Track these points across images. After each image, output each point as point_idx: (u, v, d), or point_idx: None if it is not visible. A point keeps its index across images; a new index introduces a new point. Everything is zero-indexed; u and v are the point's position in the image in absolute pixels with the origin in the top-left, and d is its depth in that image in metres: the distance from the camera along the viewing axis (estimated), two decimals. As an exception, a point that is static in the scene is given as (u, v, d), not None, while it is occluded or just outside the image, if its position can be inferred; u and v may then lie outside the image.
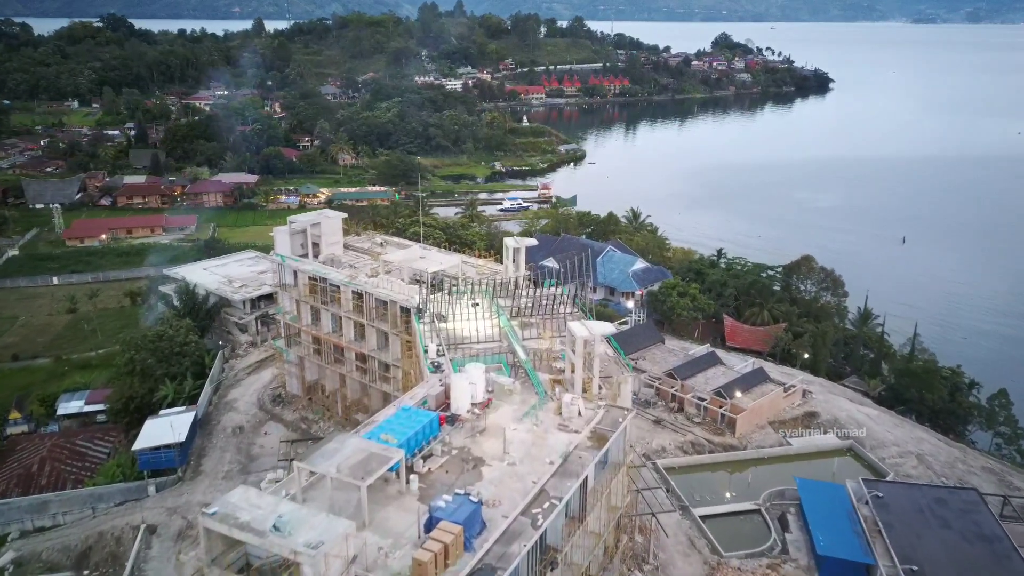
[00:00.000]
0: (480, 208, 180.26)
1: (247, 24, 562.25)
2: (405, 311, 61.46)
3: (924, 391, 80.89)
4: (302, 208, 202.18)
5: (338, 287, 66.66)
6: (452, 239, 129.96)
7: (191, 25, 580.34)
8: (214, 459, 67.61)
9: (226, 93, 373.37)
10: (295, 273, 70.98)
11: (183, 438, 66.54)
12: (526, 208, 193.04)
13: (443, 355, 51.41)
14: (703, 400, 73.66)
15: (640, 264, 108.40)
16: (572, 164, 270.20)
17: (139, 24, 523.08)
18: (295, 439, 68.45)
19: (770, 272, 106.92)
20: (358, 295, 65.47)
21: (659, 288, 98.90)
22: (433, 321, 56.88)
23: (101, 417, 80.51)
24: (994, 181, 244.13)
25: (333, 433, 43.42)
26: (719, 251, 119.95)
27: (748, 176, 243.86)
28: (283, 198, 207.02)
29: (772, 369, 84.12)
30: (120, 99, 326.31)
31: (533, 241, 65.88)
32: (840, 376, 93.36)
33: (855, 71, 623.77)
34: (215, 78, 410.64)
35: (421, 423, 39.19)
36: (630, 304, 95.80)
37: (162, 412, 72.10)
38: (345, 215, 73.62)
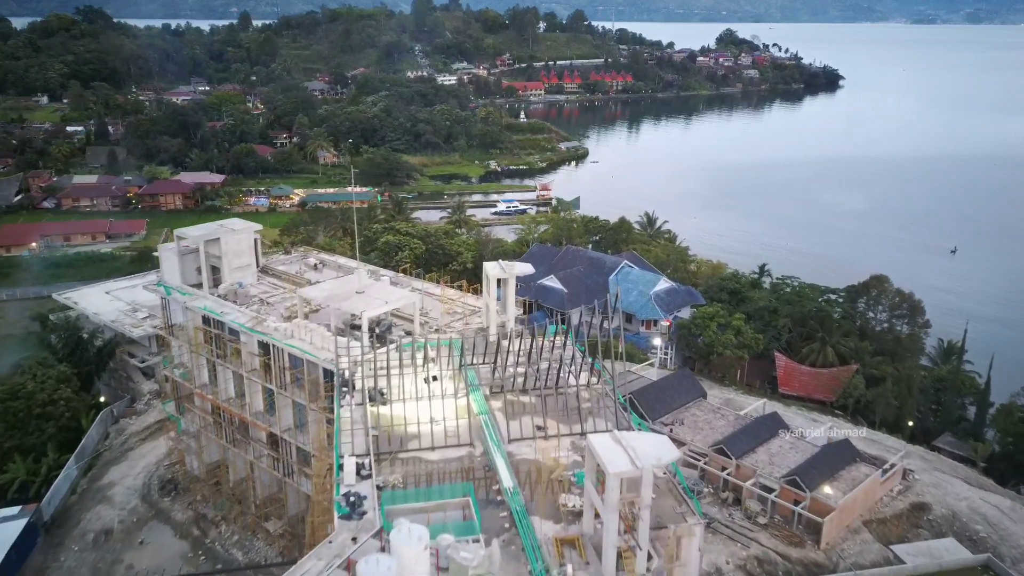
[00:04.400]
0: (470, 212, 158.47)
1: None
2: (331, 377, 39.75)
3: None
4: (272, 211, 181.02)
5: (237, 335, 44.83)
6: (433, 250, 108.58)
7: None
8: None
9: (207, 89, 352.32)
10: (185, 311, 49.09)
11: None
12: (523, 211, 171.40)
13: (369, 474, 29.72)
14: (770, 492, 51.78)
15: (663, 283, 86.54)
16: (573, 163, 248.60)
17: (138, 24, 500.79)
18: None
19: (831, 296, 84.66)
20: (265, 348, 43.69)
21: (692, 317, 76.90)
22: (365, 403, 35.11)
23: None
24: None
25: None
26: (762, 267, 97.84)
27: (763, 175, 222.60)
28: (252, 200, 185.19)
29: (849, 431, 62.33)
30: (88, 94, 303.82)
31: (528, 268, 44.06)
32: (927, 435, 71.68)
33: (863, 69, 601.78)
34: (197, 73, 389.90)
35: None
36: (657, 340, 73.97)
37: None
38: (259, 227, 51.79)
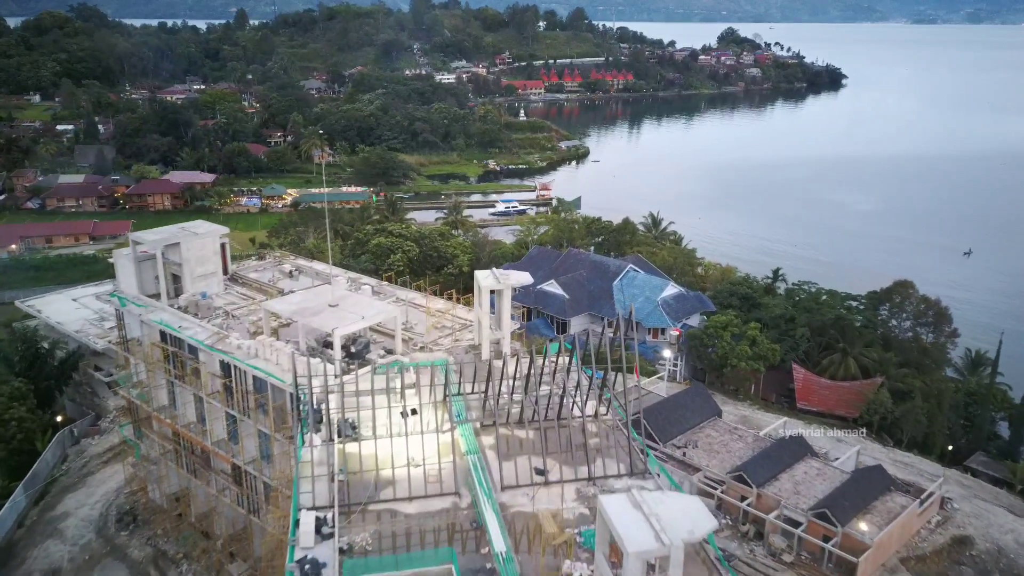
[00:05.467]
0: (468, 213, 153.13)
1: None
2: (299, 404, 34.36)
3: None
4: (264, 212, 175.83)
5: (197, 353, 39.51)
6: (428, 253, 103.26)
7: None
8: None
9: (203, 87, 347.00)
10: (141, 324, 43.75)
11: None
12: (523, 212, 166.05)
13: (332, 532, 24.42)
14: (797, 525, 46.42)
15: (671, 289, 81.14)
16: (574, 162, 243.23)
17: (134, 23, 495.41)
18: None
19: (852, 303, 79.15)
20: (227, 369, 38.36)
21: (704, 327, 71.50)
22: (333, 439, 29.79)
23: None
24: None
25: None
26: (776, 272, 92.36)
27: (768, 174, 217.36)
28: (243, 200, 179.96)
29: (878, 452, 57.05)
30: (80, 92, 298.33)
31: (525, 277, 38.62)
32: (957, 455, 66.37)
33: (865, 68, 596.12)
34: (192, 72, 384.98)
35: None
36: (667, 352, 68.59)
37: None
38: (226, 230, 46.48)
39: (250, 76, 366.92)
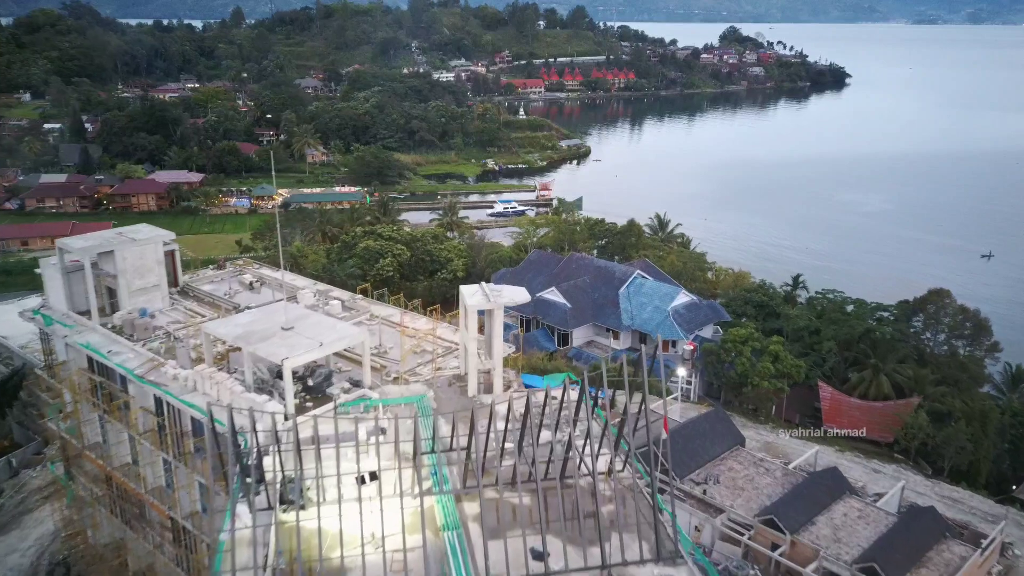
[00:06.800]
0: (465, 213, 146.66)
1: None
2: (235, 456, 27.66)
3: None
4: (253, 212, 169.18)
5: (126, 384, 32.89)
6: (420, 257, 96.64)
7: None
8: None
9: (197, 86, 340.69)
10: (67, 347, 37.09)
11: None
12: (522, 213, 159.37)
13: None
14: (841, 581, 39.75)
15: (683, 297, 74.41)
16: (575, 162, 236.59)
17: (129, 22, 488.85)
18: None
19: (884, 314, 72.36)
20: (161, 404, 31.72)
21: (721, 341, 64.72)
22: (272, 508, 23.18)
23: None
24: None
25: None
26: (796, 278, 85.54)
27: (774, 174, 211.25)
28: (232, 200, 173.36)
29: (921, 486, 50.36)
30: (70, 90, 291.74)
31: (521, 294, 31.92)
32: (1002, 484, 59.71)
33: (868, 67, 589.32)
34: (187, 71, 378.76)
35: None
36: (681, 371, 61.90)
37: None
38: (172, 234, 39.78)
39: (245, 74, 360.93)
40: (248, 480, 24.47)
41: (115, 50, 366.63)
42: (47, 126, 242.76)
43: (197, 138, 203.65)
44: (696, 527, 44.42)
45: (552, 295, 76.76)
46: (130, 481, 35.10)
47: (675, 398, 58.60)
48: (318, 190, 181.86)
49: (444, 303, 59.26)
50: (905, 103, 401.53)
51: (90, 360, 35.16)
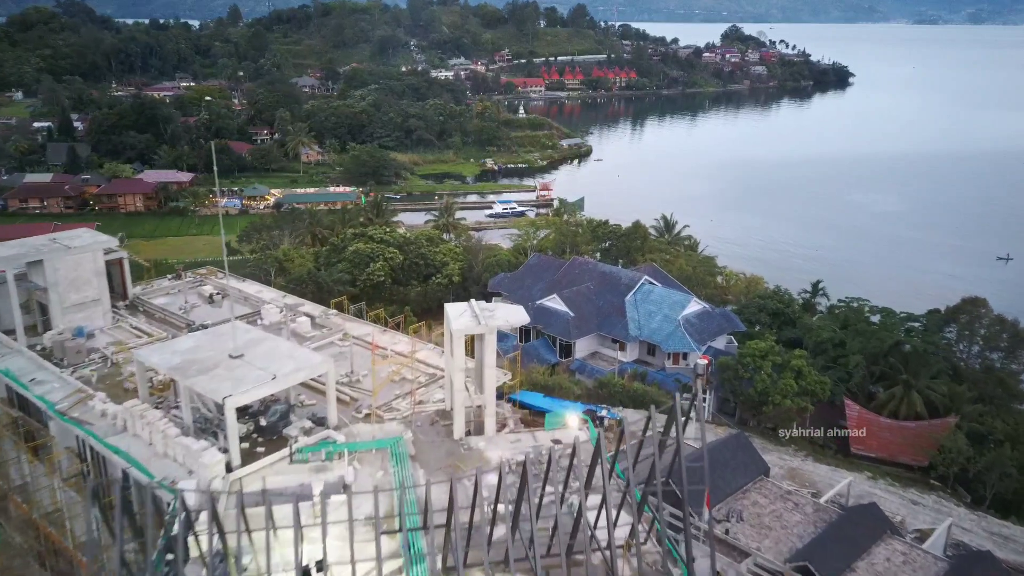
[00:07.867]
0: (462, 214, 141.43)
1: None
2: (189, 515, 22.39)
3: None
4: (244, 213, 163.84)
5: (46, 420, 27.59)
6: (413, 260, 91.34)
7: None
8: None
9: (192, 84, 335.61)
10: (-10, 373, 31.70)
11: None
12: (521, 214, 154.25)
13: None
14: (889, 642, 34.41)
15: (694, 305, 69.16)
16: (576, 161, 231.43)
17: (127, 20, 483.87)
18: None
19: (915, 324, 67.01)
20: (83, 446, 26.40)
21: (738, 354, 59.35)
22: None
23: None
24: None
25: None
26: (815, 285, 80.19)
27: (780, 173, 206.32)
28: (222, 201, 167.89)
29: (967, 521, 45.06)
30: (61, 88, 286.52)
31: (519, 314, 26.67)
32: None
33: (870, 67, 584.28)
34: (183, 69, 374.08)
35: None
36: (700, 386, 56.71)
37: None
38: (115, 241, 34.52)
39: (241, 73, 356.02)
40: (169, 558, 19.25)
41: (109, 48, 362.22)
42: (36, 124, 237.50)
43: (188, 137, 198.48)
44: (718, 572, 39.07)
45: (553, 303, 71.49)
46: (56, 532, 29.87)
47: (686, 417, 53.33)
48: (312, 190, 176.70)
49: (438, 311, 54.13)
50: (909, 102, 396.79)
51: (8, 390, 29.89)
